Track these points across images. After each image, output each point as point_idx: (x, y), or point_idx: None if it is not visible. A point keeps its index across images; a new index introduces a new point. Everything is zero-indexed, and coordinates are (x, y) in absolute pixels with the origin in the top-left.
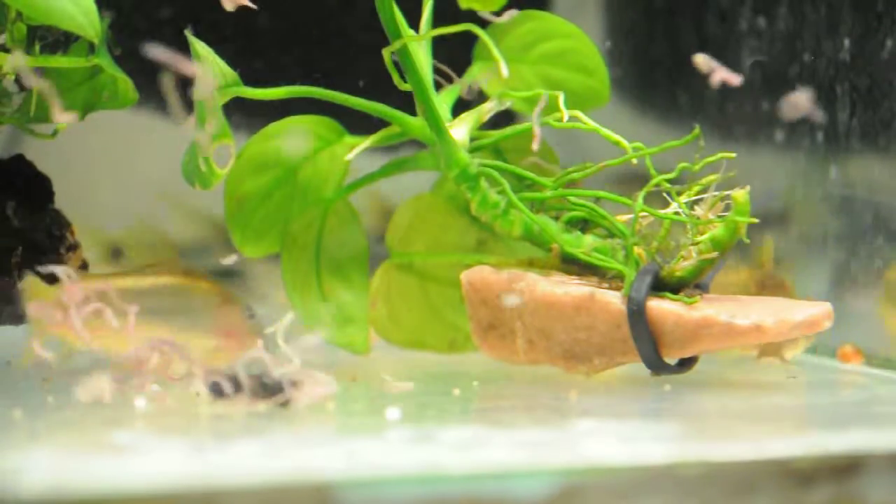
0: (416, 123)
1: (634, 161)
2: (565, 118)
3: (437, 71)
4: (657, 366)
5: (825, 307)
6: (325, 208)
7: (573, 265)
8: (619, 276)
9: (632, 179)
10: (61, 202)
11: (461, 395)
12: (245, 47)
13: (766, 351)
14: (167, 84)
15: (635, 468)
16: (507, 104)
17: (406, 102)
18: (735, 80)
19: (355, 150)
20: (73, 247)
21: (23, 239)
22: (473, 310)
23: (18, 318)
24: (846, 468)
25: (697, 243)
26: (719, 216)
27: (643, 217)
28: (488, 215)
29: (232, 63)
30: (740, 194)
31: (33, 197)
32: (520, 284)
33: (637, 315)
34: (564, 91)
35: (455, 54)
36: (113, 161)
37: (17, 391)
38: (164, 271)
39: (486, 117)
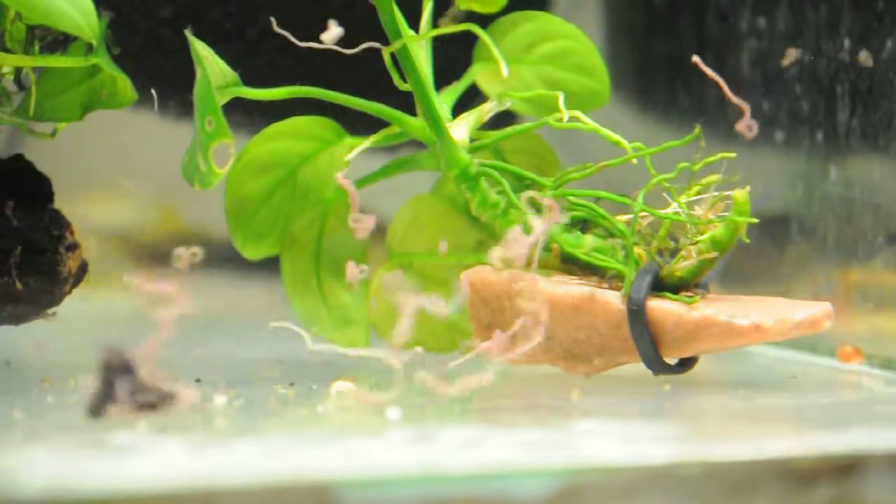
0: (416, 123)
1: (634, 161)
2: (565, 118)
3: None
4: (657, 366)
5: (825, 307)
6: (325, 208)
7: (573, 265)
8: (619, 276)
9: None
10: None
11: (462, 395)
12: (246, 47)
13: None
14: None
15: (635, 468)
16: (507, 104)
17: (406, 102)
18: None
19: (355, 150)
20: (73, 247)
21: (22, 239)
22: (473, 310)
23: (18, 317)
24: (846, 468)
25: (697, 243)
26: (719, 216)
27: (643, 217)
28: (488, 215)
29: (232, 63)
30: (740, 194)
31: (33, 197)
32: (520, 284)
33: (637, 315)
34: (564, 91)
35: (455, 54)
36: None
37: (17, 391)
38: None
39: (486, 117)
